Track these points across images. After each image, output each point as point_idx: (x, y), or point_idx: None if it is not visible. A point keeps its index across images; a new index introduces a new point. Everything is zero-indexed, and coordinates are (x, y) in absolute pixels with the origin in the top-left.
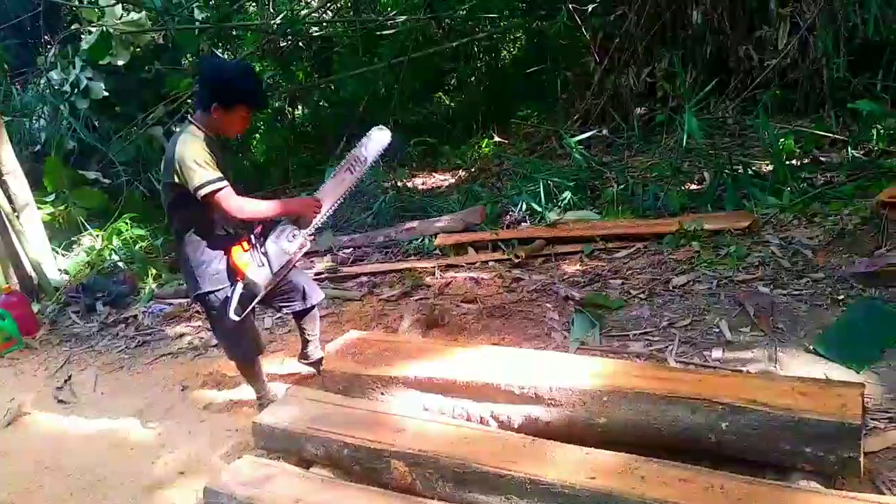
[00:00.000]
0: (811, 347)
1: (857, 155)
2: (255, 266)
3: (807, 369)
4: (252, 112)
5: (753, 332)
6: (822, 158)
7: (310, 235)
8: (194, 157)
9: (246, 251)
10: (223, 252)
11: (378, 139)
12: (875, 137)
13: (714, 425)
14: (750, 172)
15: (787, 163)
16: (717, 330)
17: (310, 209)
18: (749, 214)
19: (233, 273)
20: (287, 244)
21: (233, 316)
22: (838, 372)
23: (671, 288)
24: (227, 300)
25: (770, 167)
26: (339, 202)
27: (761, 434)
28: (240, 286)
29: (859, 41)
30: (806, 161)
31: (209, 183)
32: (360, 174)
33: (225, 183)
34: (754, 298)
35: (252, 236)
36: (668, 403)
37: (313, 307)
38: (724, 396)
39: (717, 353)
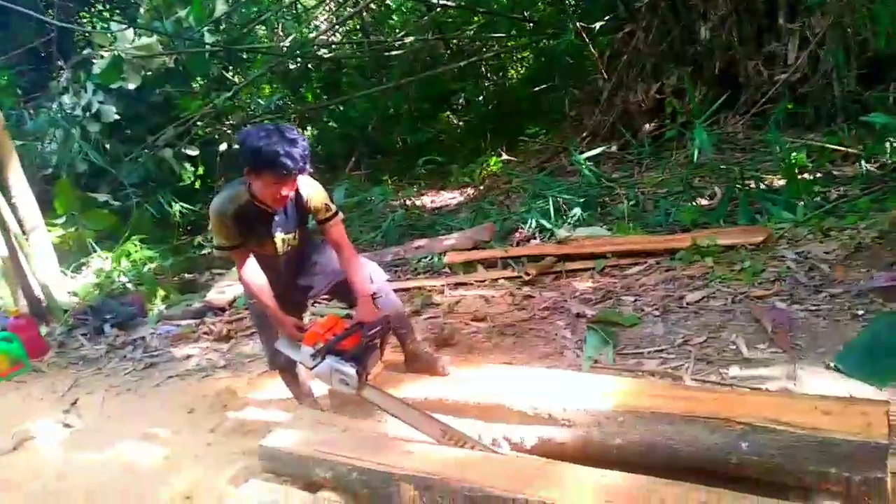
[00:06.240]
0: (831, 364)
1: (871, 168)
2: (309, 352)
3: (827, 387)
4: (281, 181)
5: (771, 349)
6: (836, 172)
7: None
8: (213, 222)
9: (321, 338)
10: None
11: None
12: (889, 150)
13: (734, 446)
14: (762, 187)
15: (800, 177)
16: (734, 347)
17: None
18: (763, 229)
19: (305, 331)
20: (335, 383)
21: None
22: (860, 389)
23: (685, 304)
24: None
25: (782, 182)
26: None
27: (784, 455)
28: (298, 347)
29: (870, 54)
30: (819, 175)
31: (220, 248)
32: None
33: (235, 249)
34: (771, 314)
35: (334, 342)
36: (686, 423)
37: None
38: (745, 416)
39: (734, 371)
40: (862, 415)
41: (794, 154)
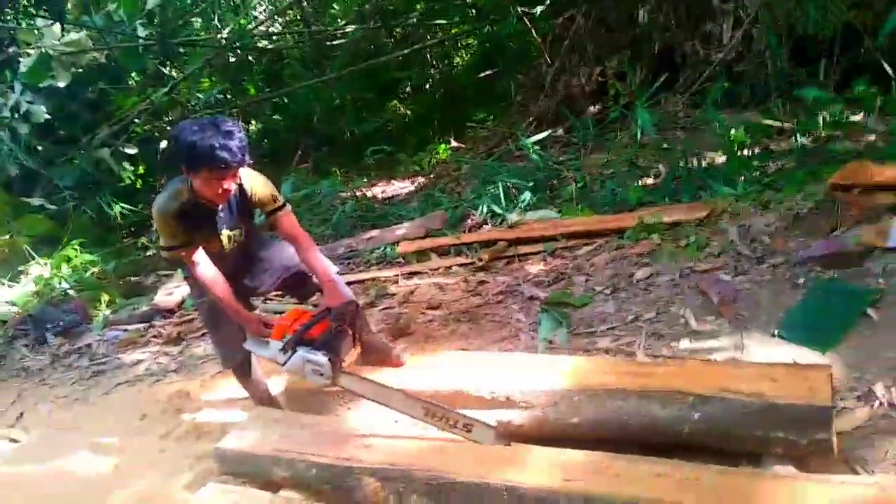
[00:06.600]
0: (775, 332)
1: (805, 142)
2: (278, 347)
3: (773, 354)
4: (220, 175)
5: (718, 321)
6: (772, 147)
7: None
8: (157, 222)
9: (288, 329)
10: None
11: None
12: (821, 124)
13: (686, 417)
14: (704, 164)
15: (739, 153)
16: (683, 320)
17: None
18: (706, 205)
19: (270, 326)
20: (310, 375)
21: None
22: (803, 354)
23: (634, 282)
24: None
25: (723, 158)
26: None
27: (733, 422)
28: (266, 344)
29: (800, 33)
30: (757, 151)
31: (168, 248)
32: None
33: (182, 248)
34: (717, 287)
35: (302, 331)
36: (639, 398)
37: None
38: (695, 387)
39: (684, 344)
40: (806, 380)
41: (732, 131)
